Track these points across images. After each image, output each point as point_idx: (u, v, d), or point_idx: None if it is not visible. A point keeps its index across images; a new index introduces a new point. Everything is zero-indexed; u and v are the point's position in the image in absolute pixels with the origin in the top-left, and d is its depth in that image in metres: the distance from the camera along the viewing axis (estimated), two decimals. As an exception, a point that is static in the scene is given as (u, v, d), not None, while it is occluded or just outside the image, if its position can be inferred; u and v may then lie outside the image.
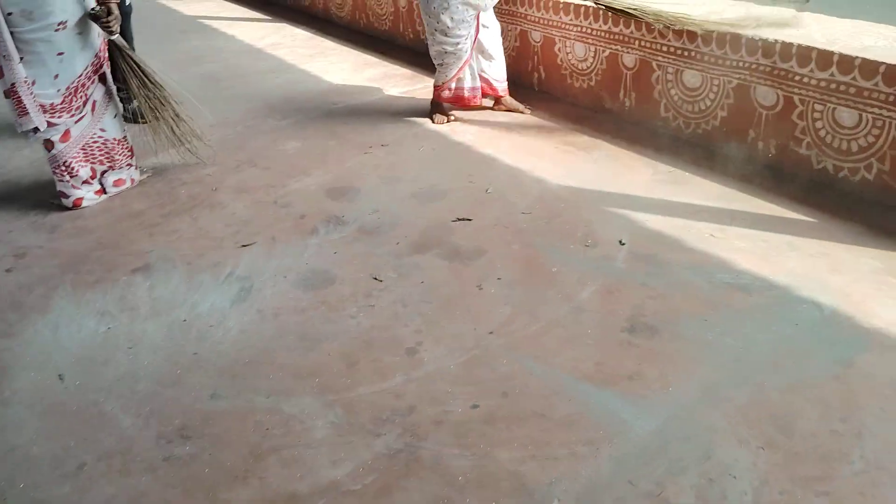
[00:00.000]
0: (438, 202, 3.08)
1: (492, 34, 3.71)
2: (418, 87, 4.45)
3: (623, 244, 2.66)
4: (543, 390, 2.02)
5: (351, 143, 3.72)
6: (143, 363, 2.23)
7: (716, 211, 2.84)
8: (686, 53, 3.28)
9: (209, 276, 2.66)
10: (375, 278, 2.59)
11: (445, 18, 3.52)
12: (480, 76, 3.79)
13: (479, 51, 3.71)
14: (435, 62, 3.77)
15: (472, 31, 3.60)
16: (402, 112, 4.08)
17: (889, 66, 2.56)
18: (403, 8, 5.14)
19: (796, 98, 2.91)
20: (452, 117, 3.87)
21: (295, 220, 3.01)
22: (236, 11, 6.82)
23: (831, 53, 2.73)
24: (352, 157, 3.56)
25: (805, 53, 2.82)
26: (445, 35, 3.56)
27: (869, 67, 2.62)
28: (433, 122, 3.86)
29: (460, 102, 3.84)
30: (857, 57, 2.65)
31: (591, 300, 2.38)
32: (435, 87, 3.85)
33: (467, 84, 3.77)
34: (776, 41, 2.90)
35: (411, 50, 5.15)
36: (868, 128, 2.70)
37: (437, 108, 3.91)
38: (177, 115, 3.32)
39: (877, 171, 2.73)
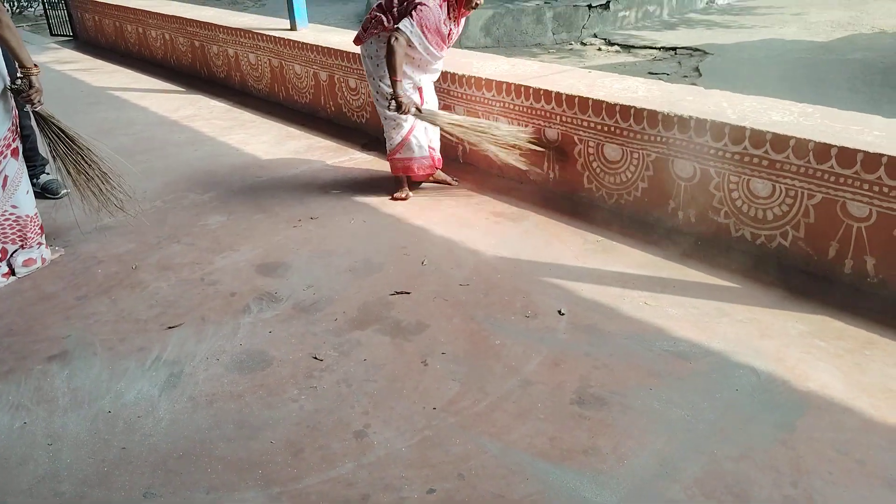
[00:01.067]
0: (374, 275, 3.04)
1: (432, 107, 3.76)
2: (343, 159, 4.44)
3: (562, 314, 2.69)
4: (500, 470, 1.98)
5: (279, 216, 3.64)
6: (65, 461, 2.03)
7: (646, 279, 2.93)
8: (606, 128, 3.44)
9: (134, 362, 2.49)
10: (315, 357, 2.50)
11: (383, 85, 3.55)
12: (429, 147, 3.80)
13: (423, 124, 3.73)
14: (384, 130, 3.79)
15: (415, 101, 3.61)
16: (329, 184, 4.05)
17: (799, 139, 2.77)
18: (324, 82, 5.17)
19: (712, 170, 3.09)
20: (411, 195, 3.82)
21: (225, 298, 2.88)
22: (148, 83, 6.67)
23: (743, 128, 2.92)
24: (281, 231, 3.48)
25: (719, 129, 3.01)
26: (388, 101, 3.55)
27: (780, 141, 2.82)
28: (392, 198, 3.80)
29: (410, 173, 3.81)
30: (767, 132, 2.85)
31: (538, 372, 2.38)
32: (388, 158, 3.83)
33: (416, 154, 3.75)
34: (690, 117, 3.09)
35: (333, 122, 5.17)
36: (782, 197, 2.89)
37: (397, 182, 3.86)
38: (104, 174, 3.19)
39: (792, 237, 2.91)
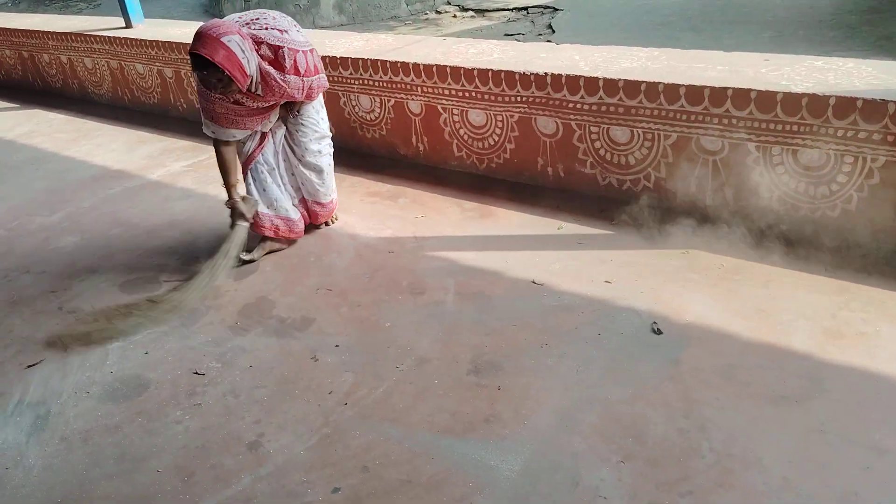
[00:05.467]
0: (250, 276, 2.89)
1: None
2: (202, 157, 4.20)
3: (449, 286, 2.66)
4: (404, 454, 1.93)
5: (138, 228, 3.39)
6: (-83, 541, 1.80)
7: (526, 238, 2.95)
8: (468, 94, 3.41)
9: (-9, 411, 2.24)
10: (196, 373, 2.35)
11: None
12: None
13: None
14: None
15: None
16: (190, 186, 3.81)
17: (649, 83, 2.85)
18: (170, 79, 4.86)
19: (573, 123, 3.13)
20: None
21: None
22: (-28, 101, 6.04)
23: (597, 79, 2.98)
24: (142, 243, 3.24)
25: (574, 82, 3.05)
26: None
27: (631, 87, 2.90)
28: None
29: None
30: (619, 79, 2.92)
31: (432, 349, 2.34)
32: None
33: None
34: (546, 74, 3.11)
35: (187, 120, 4.87)
36: (640, 141, 2.97)
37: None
38: None
39: (655, 178, 3.01)
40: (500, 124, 3.38)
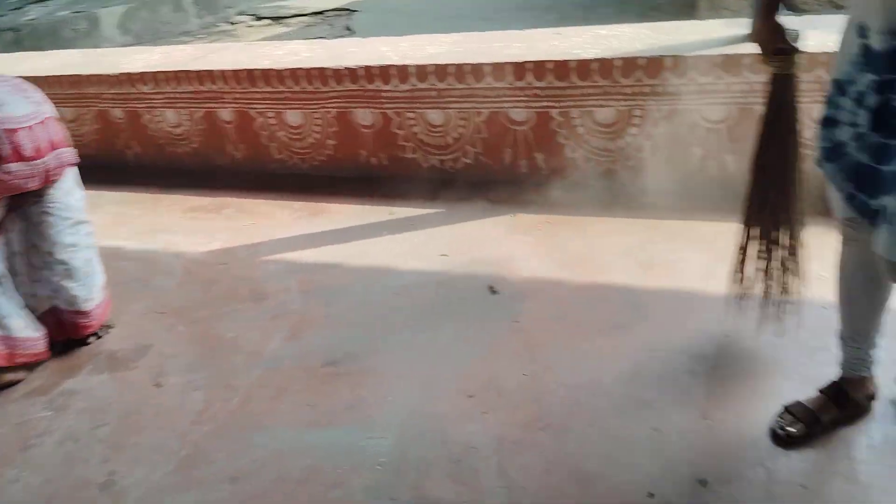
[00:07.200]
0: (72, 313, 2.66)
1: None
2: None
3: (292, 286, 2.63)
4: (272, 457, 1.88)
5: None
6: None
7: (361, 228, 2.98)
8: (281, 95, 3.37)
9: None
10: (25, 425, 2.13)
11: None
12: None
13: None
14: None
15: None
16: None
17: (457, 65, 2.98)
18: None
19: (390, 112, 3.21)
20: None
21: None
22: None
23: (406, 66, 3.07)
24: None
25: (385, 72, 3.12)
26: None
27: (441, 70, 3.02)
28: None
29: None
30: (428, 65, 3.03)
31: (283, 349, 2.30)
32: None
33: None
34: (358, 67, 3.15)
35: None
36: (455, 121, 3.11)
37: None
38: None
39: (473, 154, 3.16)
40: (318, 122, 3.38)
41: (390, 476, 1.76)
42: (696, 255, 2.47)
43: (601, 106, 2.85)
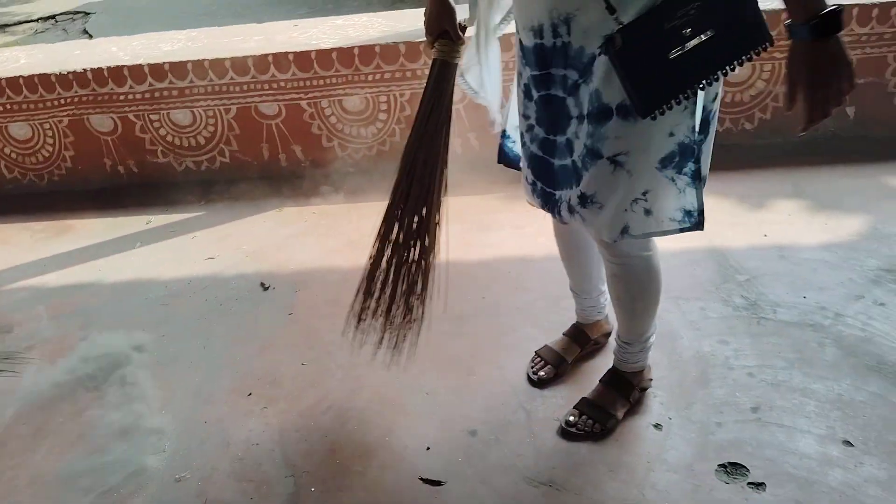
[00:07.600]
0: None
1: None
2: None
3: (42, 313, 2.41)
4: (40, 500, 1.74)
5: None
6: None
7: (114, 242, 2.82)
8: (1, 108, 3.04)
9: None
10: None
11: None
12: None
13: None
14: None
15: None
16: None
17: (194, 62, 2.89)
18: None
19: (130, 115, 3.03)
20: None
21: None
22: None
23: (140, 66, 2.91)
24: None
25: (117, 73, 2.93)
26: None
27: (178, 68, 2.91)
28: None
29: None
30: (164, 62, 2.90)
31: (42, 382, 2.11)
32: None
33: None
34: (85, 70, 2.93)
35: None
36: (204, 120, 3.02)
37: None
38: None
39: (228, 153, 3.10)
40: (48, 132, 3.10)
41: (175, 490, 1.72)
42: (452, 227, 2.66)
43: (348, 94, 2.94)
